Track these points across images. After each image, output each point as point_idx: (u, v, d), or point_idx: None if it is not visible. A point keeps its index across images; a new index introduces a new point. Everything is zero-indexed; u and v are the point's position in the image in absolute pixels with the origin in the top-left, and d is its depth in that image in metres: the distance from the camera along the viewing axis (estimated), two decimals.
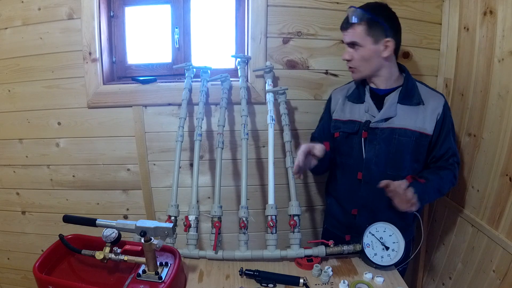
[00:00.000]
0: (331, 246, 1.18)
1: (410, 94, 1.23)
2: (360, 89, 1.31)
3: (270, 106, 1.42)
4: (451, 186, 1.26)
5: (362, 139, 1.26)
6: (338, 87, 1.42)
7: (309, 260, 1.16)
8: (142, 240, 0.93)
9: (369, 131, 1.24)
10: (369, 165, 1.25)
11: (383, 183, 1.13)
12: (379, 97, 1.26)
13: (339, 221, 1.40)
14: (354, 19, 1.17)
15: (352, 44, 1.20)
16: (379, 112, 1.23)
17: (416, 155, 1.24)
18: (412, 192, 1.09)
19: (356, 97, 1.31)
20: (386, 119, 1.22)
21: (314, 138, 1.42)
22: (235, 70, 1.59)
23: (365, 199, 1.28)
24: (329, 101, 1.41)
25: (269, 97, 1.45)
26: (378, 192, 1.18)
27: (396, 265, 1.16)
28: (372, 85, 1.28)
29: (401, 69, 1.28)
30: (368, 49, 1.18)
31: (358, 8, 1.17)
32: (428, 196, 1.21)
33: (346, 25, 1.21)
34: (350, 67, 1.26)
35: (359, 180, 1.28)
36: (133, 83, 1.56)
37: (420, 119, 1.21)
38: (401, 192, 1.09)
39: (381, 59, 1.20)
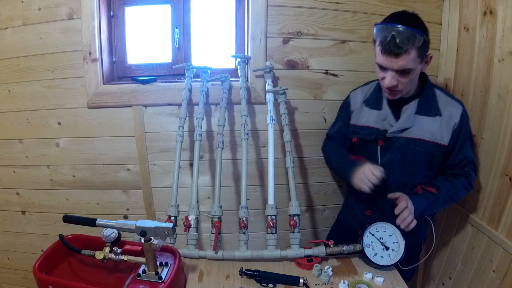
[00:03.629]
0: (331, 246, 1.18)
1: (428, 105, 1.20)
2: (378, 95, 1.27)
3: (270, 106, 1.42)
4: (466, 193, 1.26)
5: (378, 146, 1.25)
6: (357, 87, 1.39)
7: (309, 260, 1.16)
8: (142, 240, 0.93)
9: (385, 140, 1.24)
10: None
11: (393, 196, 1.16)
12: (397, 105, 1.24)
13: (356, 215, 1.42)
14: (410, 43, 1.02)
15: (402, 71, 1.08)
16: (397, 121, 1.22)
17: (430, 163, 1.24)
18: (409, 213, 1.12)
19: (373, 103, 1.28)
20: (403, 129, 1.21)
21: (331, 138, 1.43)
22: (235, 70, 1.59)
23: (378, 203, 1.28)
24: (348, 102, 1.37)
25: (269, 97, 1.45)
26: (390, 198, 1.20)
27: (407, 265, 1.18)
28: None
29: (421, 75, 1.21)
30: (417, 71, 1.12)
31: (409, 28, 1.03)
32: (438, 205, 1.22)
33: (397, 49, 1.03)
34: (391, 90, 1.16)
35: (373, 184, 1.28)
36: (133, 83, 1.56)
37: (437, 130, 1.19)
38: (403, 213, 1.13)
39: (418, 75, 1.15)
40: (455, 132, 1.19)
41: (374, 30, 1.12)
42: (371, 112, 1.28)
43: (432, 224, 1.33)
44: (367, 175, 1.15)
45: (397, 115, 1.23)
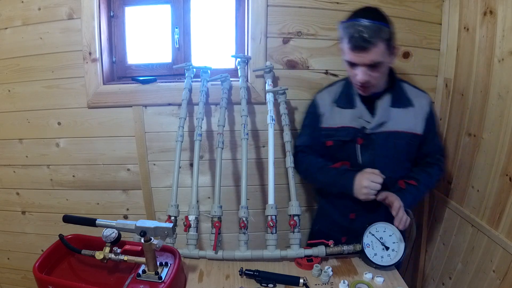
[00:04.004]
0: (331, 246, 1.18)
1: (400, 97, 1.23)
2: (349, 93, 1.26)
3: (270, 106, 1.42)
4: (439, 179, 1.34)
5: (358, 145, 1.25)
6: (321, 91, 1.36)
7: (309, 260, 1.17)
8: (142, 240, 0.93)
9: (364, 137, 1.23)
10: None
11: (381, 197, 1.17)
12: (370, 101, 1.24)
13: (336, 223, 1.38)
14: (377, 36, 1.03)
15: (373, 65, 1.09)
16: (372, 117, 1.22)
17: (408, 155, 1.27)
18: (403, 212, 1.15)
19: (345, 102, 1.26)
20: (381, 124, 1.22)
21: (303, 150, 1.36)
22: (235, 70, 1.59)
23: (363, 204, 1.24)
24: (314, 106, 1.33)
25: (269, 97, 1.45)
26: (375, 195, 1.19)
27: None
28: None
29: (388, 70, 1.24)
30: (387, 64, 1.13)
31: (375, 21, 1.04)
32: (420, 197, 1.26)
33: (366, 44, 1.04)
34: (364, 87, 1.16)
35: None
36: (133, 83, 1.56)
37: (412, 120, 1.22)
38: (398, 215, 1.14)
39: (388, 68, 1.17)
40: (427, 120, 1.24)
41: (340, 29, 1.13)
42: (344, 112, 1.26)
43: (413, 216, 1.34)
44: (371, 186, 1.15)
45: (371, 111, 1.23)
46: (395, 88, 1.24)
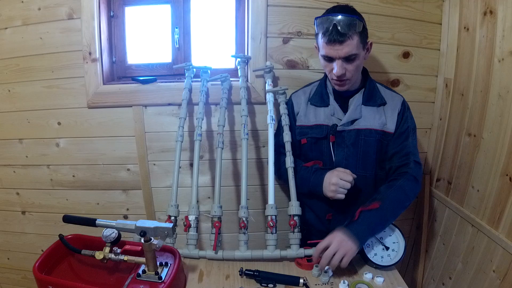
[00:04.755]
0: None
1: (373, 95, 1.25)
2: (323, 92, 1.29)
3: (270, 106, 1.42)
4: (416, 191, 1.20)
5: (331, 143, 1.26)
6: (296, 91, 1.39)
7: (309, 260, 1.16)
8: (142, 240, 0.93)
9: (336, 135, 1.24)
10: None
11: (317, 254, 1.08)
12: (343, 99, 1.26)
13: (315, 227, 1.37)
14: (351, 29, 1.07)
15: (348, 57, 1.11)
16: (345, 114, 1.24)
17: (380, 153, 1.26)
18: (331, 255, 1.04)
19: (319, 100, 1.29)
20: (352, 121, 1.23)
21: (281, 146, 1.34)
22: (235, 70, 1.59)
23: (339, 202, 1.22)
24: (290, 104, 1.36)
25: (269, 97, 1.45)
26: (349, 193, 1.17)
27: None
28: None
29: (363, 71, 1.27)
30: (361, 57, 1.15)
31: (348, 15, 1.09)
32: (390, 216, 1.14)
33: (341, 37, 1.07)
34: (341, 81, 1.17)
35: None
36: (133, 83, 1.56)
37: (383, 119, 1.23)
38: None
39: (362, 63, 1.19)
40: (399, 118, 1.23)
41: (315, 25, 1.17)
42: (318, 110, 1.28)
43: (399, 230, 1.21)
44: (339, 184, 1.14)
45: (344, 109, 1.25)
46: (368, 87, 1.25)
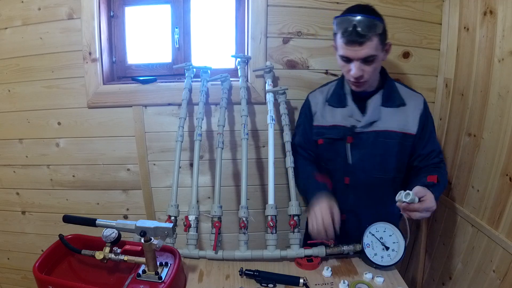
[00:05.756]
0: (331, 246, 1.18)
1: (392, 96, 1.23)
2: (341, 93, 1.27)
3: (270, 106, 1.42)
4: (446, 181, 1.27)
5: (348, 144, 1.24)
6: (314, 90, 1.37)
7: (309, 260, 1.16)
8: (142, 240, 0.93)
9: (354, 136, 1.23)
10: (356, 170, 1.24)
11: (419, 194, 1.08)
12: (361, 100, 1.24)
13: None
14: (371, 30, 1.05)
15: (367, 59, 1.09)
16: (363, 116, 1.22)
17: (401, 156, 1.24)
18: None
19: (337, 101, 1.27)
20: (371, 123, 1.21)
21: (298, 146, 1.36)
22: (235, 70, 1.59)
23: (353, 204, 1.25)
24: (307, 105, 1.34)
25: (269, 97, 1.45)
26: (365, 196, 1.19)
27: None
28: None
29: (380, 70, 1.24)
30: (380, 59, 1.13)
31: (369, 16, 1.07)
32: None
33: (360, 38, 1.05)
34: (358, 82, 1.15)
35: (346, 185, 1.27)
36: (133, 83, 1.56)
37: (403, 120, 1.21)
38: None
39: (380, 64, 1.17)
40: (421, 120, 1.22)
41: (334, 24, 1.14)
42: (335, 111, 1.26)
43: (406, 219, 1.22)
44: (313, 221, 1.11)
45: (362, 110, 1.23)
46: (387, 87, 1.23)
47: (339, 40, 1.11)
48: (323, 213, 1.12)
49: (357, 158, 1.24)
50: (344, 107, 1.25)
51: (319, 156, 1.33)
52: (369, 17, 1.06)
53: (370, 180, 1.24)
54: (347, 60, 1.13)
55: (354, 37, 1.06)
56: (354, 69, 1.11)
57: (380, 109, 1.21)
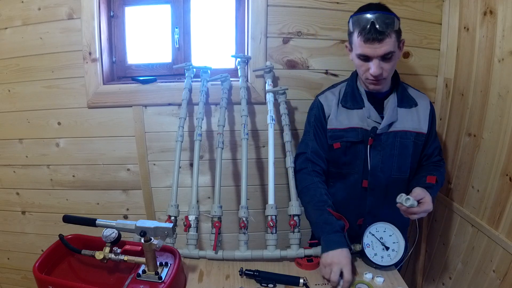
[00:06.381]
0: None
1: (405, 97, 1.24)
2: (355, 93, 1.24)
3: (270, 106, 1.42)
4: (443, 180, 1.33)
5: (368, 146, 1.22)
6: (323, 92, 1.32)
7: (309, 260, 1.16)
8: (142, 240, 0.93)
9: (374, 138, 1.21)
10: (375, 172, 1.23)
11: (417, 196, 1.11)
12: (377, 101, 1.23)
13: None
14: (389, 26, 1.05)
15: (385, 56, 1.08)
16: (381, 117, 1.22)
17: (414, 155, 1.26)
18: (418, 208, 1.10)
19: (352, 102, 1.24)
20: (390, 124, 1.21)
21: (309, 160, 1.25)
22: (235, 70, 1.59)
23: (371, 206, 1.25)
24: (319, 108, 1.27)
25: (269, 97, 1.45)
26: (382, 197, 1.21)
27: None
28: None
29: None
30: (397, 56, 1.13)
31: (386, 12, 1.07)
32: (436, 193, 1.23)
33: (380, 35, 1.05)
34: (377, 80, 1.14)
35: (364, 188, 1.26)
36: (133, 83, 1.56)
37: (416, 120, 1.23)
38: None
39: (397, 62, 1.16)
40: (430, 118, 1.25)
41: (350, 23, 1.13)
42: (351, 113, 1.23)
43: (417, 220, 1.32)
44: (332, 281, 1.04)
45: (379, 111, 1.23)
46: (400, 88, 1.24)
47: (357, 39, 1.10)
48: (336, 271, 1.03)
49: (377, 160, 1.23)
50: (361, 108, 1.23)
51: (334, 161, 1.27)
52: (387, 14, 1.06)
53: (389, 181, 1.24)
54: (366, 58, 1.11)
55: (373, 35, 1.05)
56: (373, 67, 1.10)
57: (396, 110, 1.22)
